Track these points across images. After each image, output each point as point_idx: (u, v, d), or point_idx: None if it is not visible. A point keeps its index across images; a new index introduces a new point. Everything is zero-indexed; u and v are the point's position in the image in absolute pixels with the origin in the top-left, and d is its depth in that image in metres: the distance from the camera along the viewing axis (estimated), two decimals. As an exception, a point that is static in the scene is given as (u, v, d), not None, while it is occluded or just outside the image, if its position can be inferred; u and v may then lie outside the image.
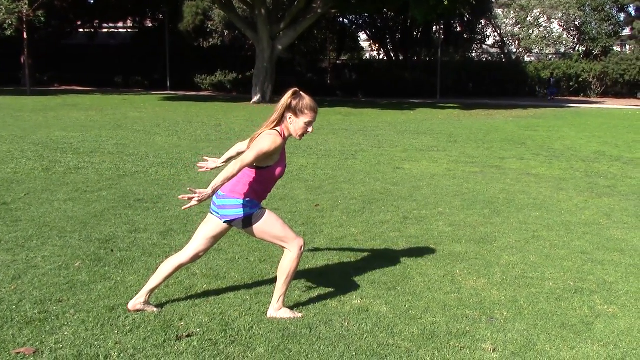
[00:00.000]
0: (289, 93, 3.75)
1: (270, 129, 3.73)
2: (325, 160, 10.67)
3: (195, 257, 3.91)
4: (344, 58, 44.64)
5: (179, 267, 3.93)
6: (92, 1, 41.52)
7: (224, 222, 3.77)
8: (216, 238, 3.90)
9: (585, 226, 6.37)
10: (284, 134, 3.76)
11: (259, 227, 3.75)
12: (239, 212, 3.71)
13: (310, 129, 3.79)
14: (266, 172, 3.74)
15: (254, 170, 3.71)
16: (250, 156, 3.57)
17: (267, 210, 3.78)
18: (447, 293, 4.36)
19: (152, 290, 3.92)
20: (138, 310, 3.86)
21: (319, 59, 42.97)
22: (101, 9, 40.00)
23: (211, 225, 3.85)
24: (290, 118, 3.73)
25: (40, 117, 17.61)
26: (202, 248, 3.89)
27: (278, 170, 3.78)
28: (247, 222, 3.74)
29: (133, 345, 3.41)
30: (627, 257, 5.30)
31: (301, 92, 3.77)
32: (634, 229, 6.31)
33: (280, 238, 3.79)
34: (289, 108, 3.71)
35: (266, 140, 3.63)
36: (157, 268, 4.01)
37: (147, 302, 3.89)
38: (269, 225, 3.75)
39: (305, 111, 3.71)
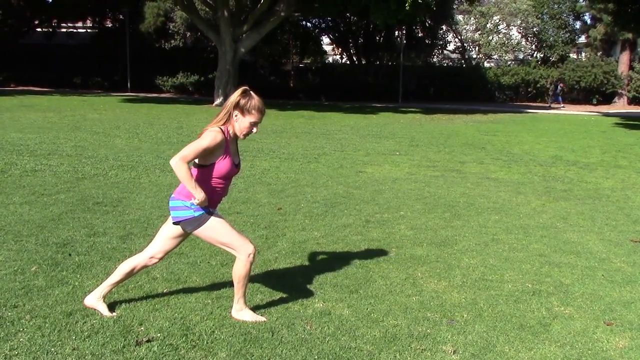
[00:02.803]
0: (239, 91, 3.75)
1: (217, 126, 3.72)
2: (288, 163, 10.65)
3: (153, 259, 3.88)
4: (307, 61, 44.70)
5: (136, 267, 3.90)
6: (50, 0, 40.67)
7: (173, 223, 3.78)
8: (175, 240, 3.87)
9: (543, 229, 6.50)
10: (228, 132, 3.74)
11: (203, 232, 3.74)
12: (185, 214, 3.71)
13: (254, 130, 3.77)
14: (209, 171, 3.71)
15: (196, 169, 3.73)
16: (188, 151, 3.60)
17: (213, 216, 3.75)
18: (408, 296, 4.39)
19: (109, 287, 3.91)
20: (92, 307, 3.85)
21: (282, 62, 42.91)
22: (59, 8, 39.21)
23: (169, 227, 3.85)
24: (236, 116, 3.72)
25: (-5, 117, 17.18)
26: (160, 249, 3.87)
27: (223, 169, 3.72)
28: (193, 225, 3.72)
29: (91, 351, 3.34)
30: (583, 260, 5.43)
31: (251, 92, 3.76)
32: (589, 232, 6.47)
33: (225, 244, 3.77)
34: (236, 106, 3.71)
35: (205, 136, 3.65)
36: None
37: (101, 299, 3.87)
38: (213, 230, 3.73)
39: (252, 111, 3.71)
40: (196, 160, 3.71)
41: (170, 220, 3.83)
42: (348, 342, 3.60)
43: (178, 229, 3.80)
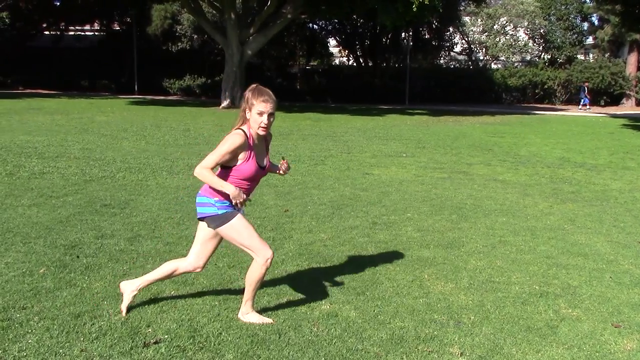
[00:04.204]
0: (249, 88, 3.77)
1: (237, 128, 3.74)
2: (294, 165, 10.66)
3: (198, 268, 3.90)
4: (314, 63, 44.72)
5: (177, 271, 3.93)
6: (58, 3, 40.88)
7: (198, 218, 3.83)
8: (212, 241, 3.89)
9: (550, 231, 6.49)
10: (250, 133, 3.73)
11: (225, 231, 3.76)
12: (208, 211, 3.74)
13: (264, 119, 3.67)
14: (233, 172, 3.71)
15: (220, 169, 3.74)
16: (209, 159, 3.63)
17: (238, 215, 3.75)
18: (415, 298, 4.39)
19: (147, 282, 3.98)
20: (122, 292, 3.93)
21: (288, 64, 42.95)
22: (67, 11, 39.39)
23: (203, 230, 3.90)
24: (247, 112, 3.72)
25: (3, 120, 17.26)
26: (201, 254, 3.90)
27: (247, 171, 3.71)
28: (216, 222, 3.75)
29: (99, 353, 3.36)
30: (591, 262, 5.41)
31: (258, 86, 3.76)
32: (597, 233, 6.45)
33: (245, 245, 3.78)
34: (245, 102, 3.73)
35: (226, 139, 3.67)
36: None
37: (135, 292, 3.93)
38: (235, 230, 3.74)
39: (254, 101, 3.68)
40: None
41: (203, 224, 3.86)
42: (355, 344, 3.60)
43: (211, 230, 3.82)
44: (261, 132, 3.72)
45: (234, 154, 3.65)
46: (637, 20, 26.13)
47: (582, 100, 34.22)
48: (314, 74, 42.18)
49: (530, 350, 3.62)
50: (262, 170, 3.82)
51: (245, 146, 3.67)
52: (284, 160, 4.01)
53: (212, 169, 3.66)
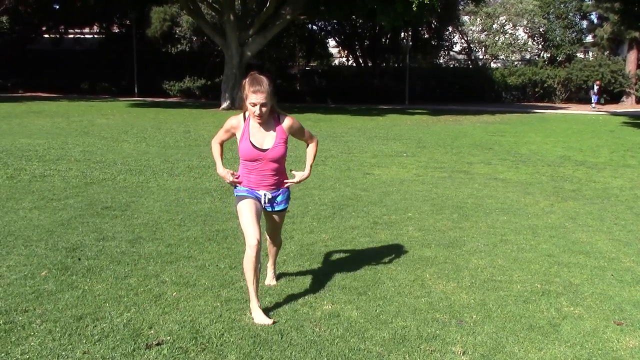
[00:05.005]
0: (247, 75, 3.96)
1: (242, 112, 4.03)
2: (295, 166, 10.62)
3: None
4: (313, 64, 44.72)
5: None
6: (57, 6, 40.90)
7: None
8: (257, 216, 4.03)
9: (552, 229, 6.48)
10: (248, 117, 3.97)
11: (237, 209, 4.01)
12: (234, 191, 4.10)
13: (256, 110, 3.83)
14: (239, 152, 4.00)
15: None
16: (216, 134, 4.16)
17: (248, 199, 3.96)
18: (417, 297, 4.39)
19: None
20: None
21: (288, 65, 42.94)
22: (66, 14, 39.43)
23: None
24: (245, 101, 3.89)
25: (4, 124, 17.27)
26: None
27: (242, 150, 3.95)
28: (235, 201, 4.05)
29: (102, 355, 3.36)
30: (592, 260, 5.41)
31: (254, 75, 3.88)
32: (598, 231, 6.44)
33: (242, 228, 3.96)
34: (242, 91, 3.90)
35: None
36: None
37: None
38: (239, 210, 3.99)
39: (247, 92, 3.84)
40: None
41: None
42: (357, 344, 3.60)
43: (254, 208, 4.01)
44: (257, 121, 3.93)
45: (230, 133, 4.03)
46: (636, 18, 26.14)
47: (594, 98, 34.13)
48: (314, 75, 42.18)
49: (533, 348, 3.62)
50: (262, 153, 3.96)
51: (237, 127, 3.97)
52: (292, 172, 4.34)
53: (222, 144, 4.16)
